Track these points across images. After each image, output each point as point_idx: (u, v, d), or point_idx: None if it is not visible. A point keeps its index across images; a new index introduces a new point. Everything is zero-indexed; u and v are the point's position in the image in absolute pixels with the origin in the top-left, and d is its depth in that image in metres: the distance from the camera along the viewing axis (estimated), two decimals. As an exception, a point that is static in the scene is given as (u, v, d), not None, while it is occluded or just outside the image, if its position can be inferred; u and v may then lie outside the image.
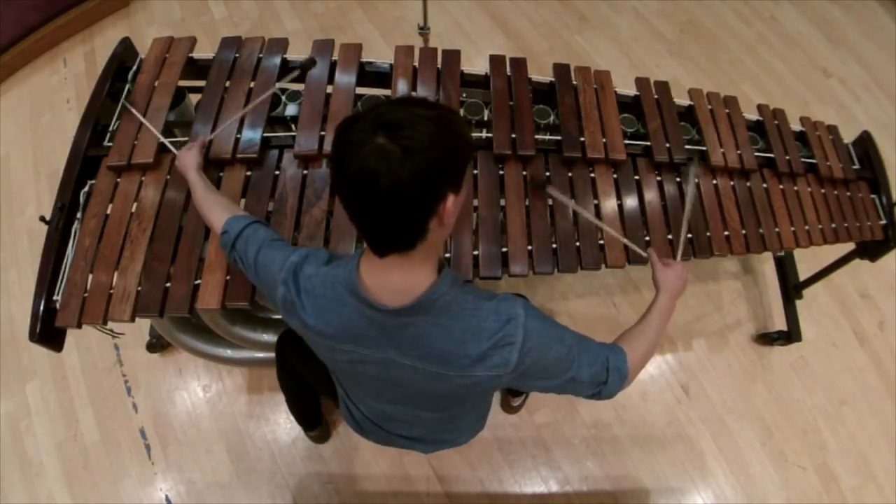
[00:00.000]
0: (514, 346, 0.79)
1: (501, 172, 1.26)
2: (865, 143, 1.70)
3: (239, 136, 1.21)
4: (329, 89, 1.31)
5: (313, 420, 1.66)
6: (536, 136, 1.30)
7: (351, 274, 0.78)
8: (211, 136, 1.20)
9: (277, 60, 1.33)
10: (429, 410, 1.04)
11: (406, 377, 0.85)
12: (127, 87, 1.31)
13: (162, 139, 1.20)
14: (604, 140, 1.32)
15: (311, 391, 1.57)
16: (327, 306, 0.81)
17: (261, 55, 1.35)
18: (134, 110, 1.22)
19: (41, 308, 1.10)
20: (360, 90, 1.33)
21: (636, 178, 1.32)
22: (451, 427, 1.17)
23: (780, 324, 2.01)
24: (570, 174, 1.29)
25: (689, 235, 1.29)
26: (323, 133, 1.22)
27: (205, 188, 1.08)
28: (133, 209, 1.16)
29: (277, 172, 1.21)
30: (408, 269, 0.75)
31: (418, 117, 0.65)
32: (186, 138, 1.22)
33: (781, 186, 1.47)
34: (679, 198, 1.33)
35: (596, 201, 1.28)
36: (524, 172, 1.27)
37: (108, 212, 1.16)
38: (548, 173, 1.28)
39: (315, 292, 0.82)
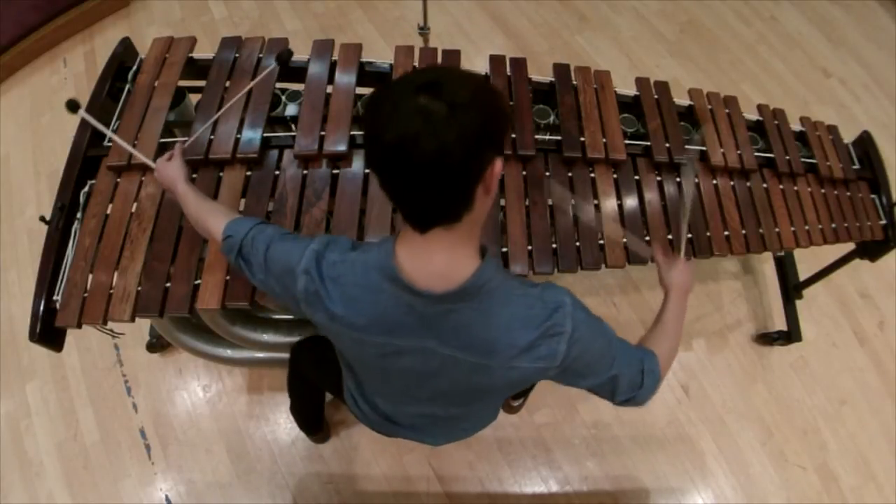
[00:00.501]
0: (563, 337, 0.74)
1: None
2: (865, 143, 1.70)
3: (239, 136, 1.21)
4: (329, 89, 1.31)
5: (315, 426, 1.67)
6: (536, 136, 1.30)
7: (387, 258, 0.72)
8: (188, 141, 1.14)
9: (277, 60, 1.33)
10: (457, 405, 0.98)
11: (445, 369, 0.80)
12: (127, 86, 1.31)
13: (145, 160, 1.11)
14: (604, 140, 1.32)
15: (318, 400, 1.58)
16: (358, 295, 0.75)
17: (261, 55, 1.35)
18: (120, 140, 1.12)
19: (41, 308, 1.10)
20: (360, 90, 1.32)
21: (636, 178, 1.32)
22: (470, 423, 1.13)
23: (780, 324, 2.01)
24: (570, 174, 1.29)
25: (689, 235, 1.29)
26: (323, 133, 1.22)
27: (198, 198, 1.00)
28: (133, 209, 1.16)
29: (277, 172, 1.21)
30: (452, 248, 0.70)
31: (456, 76, 0.62)
32: (186, 138, 1.22)
33: (781, 186, 1.47)
34: (679, 197, 1.33)
35: (596, 201, 1.28)
36: (524, 172, 1.27)
37: (108, 212, 1.16)
38: (547, 173, 1.28)
39: (342, 280, 0.76)
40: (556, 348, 0.74)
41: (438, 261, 0.70)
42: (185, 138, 1.15)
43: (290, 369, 1.38)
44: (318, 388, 1.47)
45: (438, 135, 0.58)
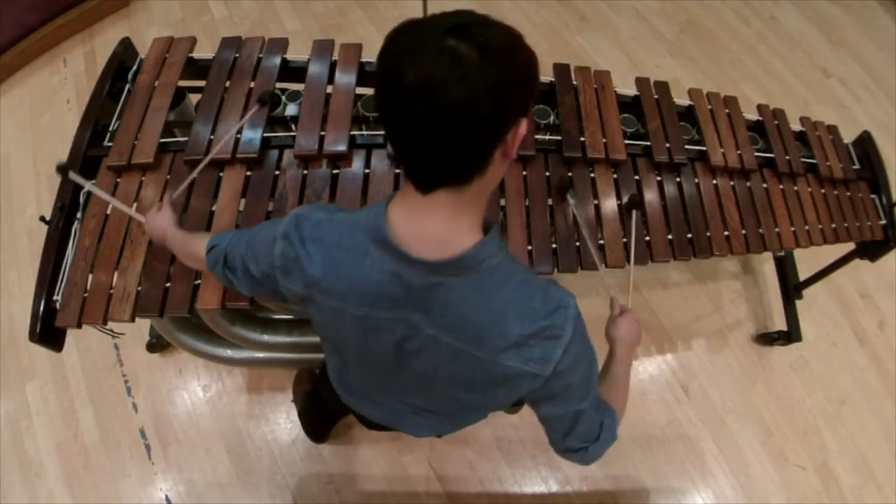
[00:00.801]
0: (561, 342, 0.66)
1: (501, 172, 1.26)
2: (865, 143, 1.70)
3: (239, 136, 1.21)
4: (329, 89, 1.31)
5: (323, 437, 1.68)
6: (536, 136, 1.30)
7: (377, 218, 0.65)
8: (177, 193, 1.11)
9: (277, 60, 1.33)
10: (437, 402, 0.89)
11: (426, 352, 0.71)
12: (127, 86, 1.31)
13: (130, 212, 1.11)
14: (604, 140, 1.32)
15: (333, 420, 1.58)
16: (341, 258, 0.67)
17: (261, 55, 1.35)
18: (100, 191, 1.11)
19: (41, 308, 1.10)
20: (360, 90, 1.32)
21: (636, 178, 1.32)
22: (451, 423, 1.06)
23: (780, 324, 2.01)
24: (570, 174, 1.29)
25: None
26: (323, 133, 1.22)
27: (184, 235, 0.98)
28: (133, 209, 1.16)
29: (277, 172, 1.20)
30: (454, 213, 0.62)
31: (491, 22, 0.55)
32: (186, 138, 1.22)
33: (781, 186, 1.47)
34: (679, 197, 1.33)
35: (596, 201, 1.28)
36: (524, 172, 1.27)
37: (108, 212, 1.16)
38: (568, 174, 1.28)
39: (326, 240, 0.69)
40: (551, 353, 0.66)
41: (436, 225, 0.63)
42: (173, 191, 1.12)
43: (310, 389, 1.36)
44: (335, 412, 1.46)
45: (468, 81, 0.51)
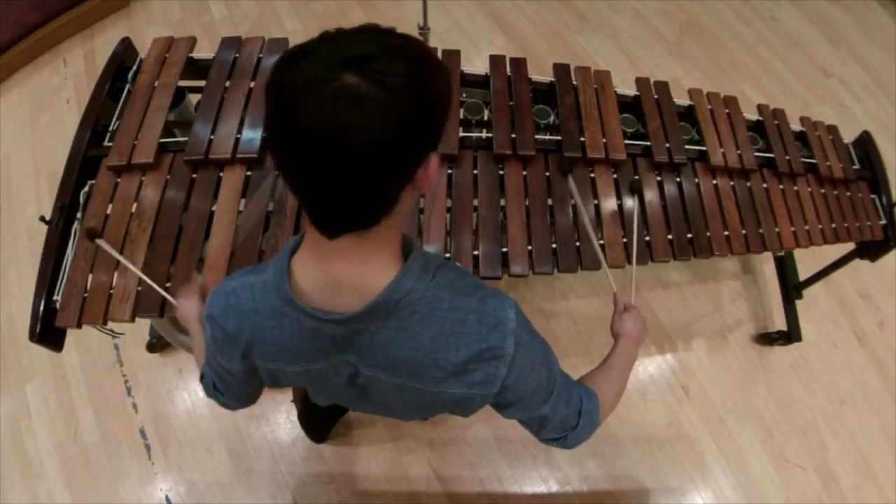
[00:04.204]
0: (503, 360, 0.63)
1: (501, 172, 1.26)
2: (865, 143, 1.70)
3: (239, 136, 1.21)
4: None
5: (323, 438, 1.68)
6: (536, 136, 1.30)
7: (280, 276, 0.60)
8: (200, 279, 1.06)
9: (277, 60, 1.33)
10: (407, 415, 0.89)
11: (374, 386, 0.69)
12: (127, 86, 1.31)
13: (162, 292, 1.07)
14: (604, 140, 1.32)
15: (332, 422, 1.57)
16: (261, 322, 0.64)
17: (261, 55, 1.35)
18: (108, 247, 1.10)
19: (41, 308, 1.10)
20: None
21: (636, 178, 1.32)
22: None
23: (780, 324, 2.01)
24: (570, 174, 1.29)
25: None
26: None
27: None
28: (133, 209, 1.16)
29: (277, 172, 1.20)
30: (364, 255, 0.58)
31: (394, 47, 0.48)
32: (186, 138, 1.22)
33: (781, 186, 1.47)
34: (679, 197, 1.33)
35: (596, 201, 1.28)
36: (524, 172, 1.27)
37: (108, 212, 1.16)
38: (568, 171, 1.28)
39: (244, 307, 0.65)
40: (495, 373, 0.64)
41: (345, 272, 0.58)
42: (200, 274, 1.09)
43: (304, 402, 1.36)
44: (334, 412, 1.46)
45: (372, 126, 0.46)
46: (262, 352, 0.67)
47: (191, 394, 1.81)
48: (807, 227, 1.47)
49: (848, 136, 1.74)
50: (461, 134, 1.27)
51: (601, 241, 1.23)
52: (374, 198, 0.52)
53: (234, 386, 0.80)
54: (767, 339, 1.98)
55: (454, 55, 1.39)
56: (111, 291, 1.09)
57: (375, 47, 0.48)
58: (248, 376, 0.76)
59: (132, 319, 1.08)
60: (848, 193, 1.61)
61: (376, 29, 0.51)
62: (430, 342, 0.61)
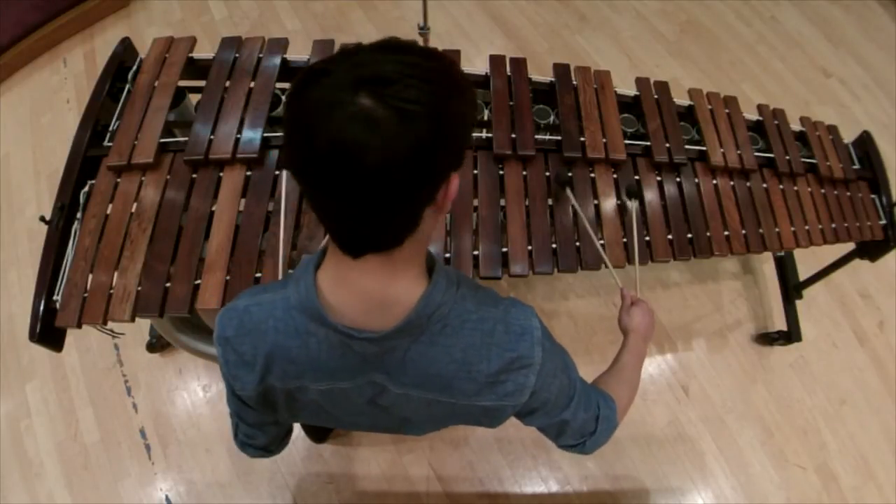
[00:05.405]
0: (532, 369, 0.64)
1: (501, 172, 1.26)
2: (865, 143, 1.70)
3: (239, 136, 1.21)
4: (329, 89, 1.30)
5: (323, 438, 1.68)
6: (536, 136, 1.30)
7: (308, 293, 0.60)
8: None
9: (277, 60, 1.33)
10: (429, 428, 0.88)
11: (400, 404, 0.69)
12: (127, 86, 1.31)
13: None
14: (604, 140, 1.32)
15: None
16: (283, 342, 0.62)
17: (261, 55, 1.35)
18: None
19: (41, 308, 1.09)
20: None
21: (636, 178, 1.32)
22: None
23: (780, 324, 2.01)
24: (570, 174, 1.29)
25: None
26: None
27: None
28: (133, 209, 1.16)
29: (277, 172, 1.20)
30: (390, 274, 0.58)
31: (413, 68, 0.47)
32: (186, 138, 1.22)
33: (781, 186, 1.47)
34: (679, 197, 1.33)
35: (596, 201, 1.28)
36: (524, 172, 1.27)
37: (108, 212, 1.16)
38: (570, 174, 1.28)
39: (261, 328, 0.63)
40: (524, 382, 0.64)
41: (373, 291, 0.58)
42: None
43: None
44: None
45: (386, 148, 0.45)
46: (283, 371, 0.65)
47: (191, 394, 1.81)
48: (807, 227, 1.47)
49: (848, 136, 1.74)
50: (461, 134, 1.27)
51: (601, 242, 1.24)
52: (394, 219, 0.52)
53: (257, 423, 0.79)
54: (767, 339, 1.98)
55: (454, 55, 1.39)
56: (111, 291, 1.09)
57: (393, 68, 0.47)
58: (263, 408, 0.73)
59: (132, 319, 1.08)
60: (848, 193, 1.61)
61: (397, 45, 0.49)
62: (462, 354, 0.62)
